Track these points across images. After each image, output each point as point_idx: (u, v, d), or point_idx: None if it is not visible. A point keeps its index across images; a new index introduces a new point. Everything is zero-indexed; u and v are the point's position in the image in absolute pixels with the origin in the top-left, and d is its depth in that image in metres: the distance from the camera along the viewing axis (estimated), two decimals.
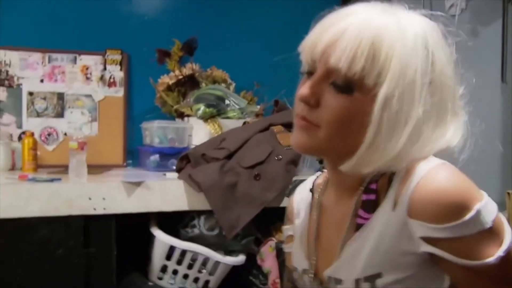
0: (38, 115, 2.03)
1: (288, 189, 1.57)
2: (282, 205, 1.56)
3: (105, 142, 2.08)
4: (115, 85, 2.11)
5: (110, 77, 2.10)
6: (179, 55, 2.08)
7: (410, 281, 0.72)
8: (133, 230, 1.57)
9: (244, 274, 1.67)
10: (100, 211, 1.45)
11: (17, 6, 2.01)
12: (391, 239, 0.71)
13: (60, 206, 1.42)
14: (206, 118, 1.91)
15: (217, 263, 1.58)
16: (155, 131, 1.89)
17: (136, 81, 2.15)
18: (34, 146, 1.84)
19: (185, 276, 1.58)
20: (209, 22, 2.22)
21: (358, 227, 0.76)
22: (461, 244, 0.67)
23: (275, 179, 1.57)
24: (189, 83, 2.03)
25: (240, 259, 1.62)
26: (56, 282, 1.43)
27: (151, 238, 1.57)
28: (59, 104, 2.05)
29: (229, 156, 1.60)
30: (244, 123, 1.91)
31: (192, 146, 1.83)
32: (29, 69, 2.02)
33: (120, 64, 2.11)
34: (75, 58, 2.07)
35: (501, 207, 1.50)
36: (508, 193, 1.44)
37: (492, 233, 0.68)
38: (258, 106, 2.07)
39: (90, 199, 1.44)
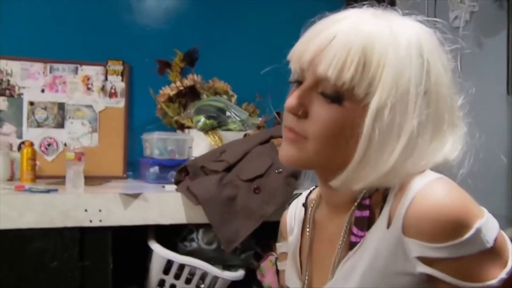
0: (39, 125, 2.02)
1: (289, 202, 1.53)
2: None
3: (106, 153, 2.06)
4: (116, 96, 2.10)
5: (111, 88, 2.09)
6: (181, 66, 2.07)
7: None
8: (131, 243, 1.55)
9: None
10: (96, 223, 1.43)
11: (19, 16, 2.01)
12: (386, 259, 0.67)
13: (55, 217, 1.40)
14: (206, 130, 1.89)
15: (215, 277, 1.55)
16: (155, 143, 1.87)
17: (137, 91, 2.14)
18: (33, 156, 1.82)
19: None
20: (211, 33, 2.21)
21: (352, 245, 0.72)
22: (460, 265, 0.63)
23: (275, 193, 1.54)
24: (190, 94, 2.02)
25: (239, 274, 1.59)
26: None
27: (148, 251, 1.54)
28: (60, 114, 2.04)
29: (229, 169, 1.58)
30: (245, 135, 1.89)
31: (192, 158, 1.81)
32: (30, 78, 2.01)
33: (122, 74, 2.10)
34: (77, 68, 2.06)
35: (508, 222, 1.46)
36: None
37: (494, 253, 0.64)
38: (260, 118, 2.05)
39: (86, 210, 1.42)
